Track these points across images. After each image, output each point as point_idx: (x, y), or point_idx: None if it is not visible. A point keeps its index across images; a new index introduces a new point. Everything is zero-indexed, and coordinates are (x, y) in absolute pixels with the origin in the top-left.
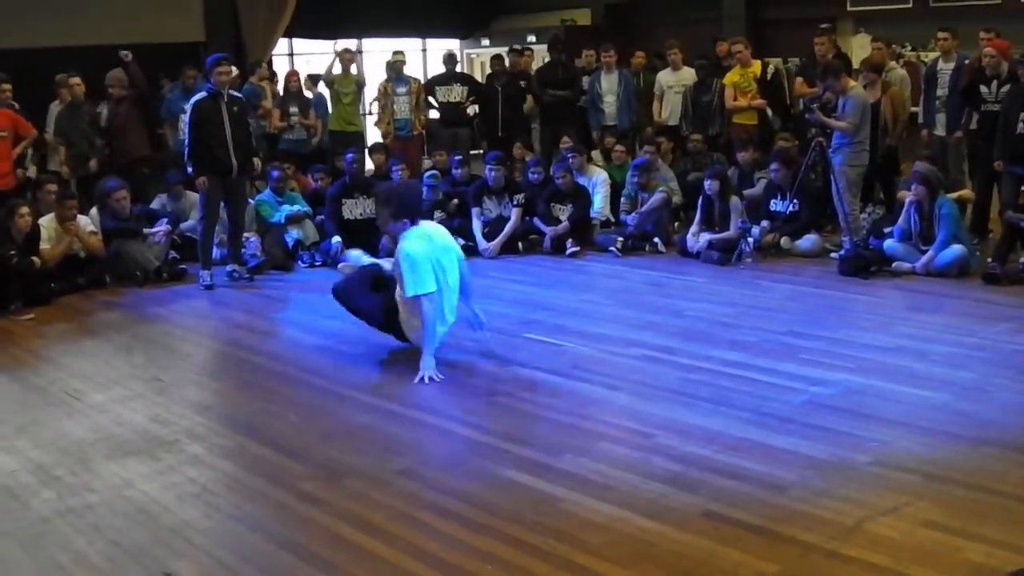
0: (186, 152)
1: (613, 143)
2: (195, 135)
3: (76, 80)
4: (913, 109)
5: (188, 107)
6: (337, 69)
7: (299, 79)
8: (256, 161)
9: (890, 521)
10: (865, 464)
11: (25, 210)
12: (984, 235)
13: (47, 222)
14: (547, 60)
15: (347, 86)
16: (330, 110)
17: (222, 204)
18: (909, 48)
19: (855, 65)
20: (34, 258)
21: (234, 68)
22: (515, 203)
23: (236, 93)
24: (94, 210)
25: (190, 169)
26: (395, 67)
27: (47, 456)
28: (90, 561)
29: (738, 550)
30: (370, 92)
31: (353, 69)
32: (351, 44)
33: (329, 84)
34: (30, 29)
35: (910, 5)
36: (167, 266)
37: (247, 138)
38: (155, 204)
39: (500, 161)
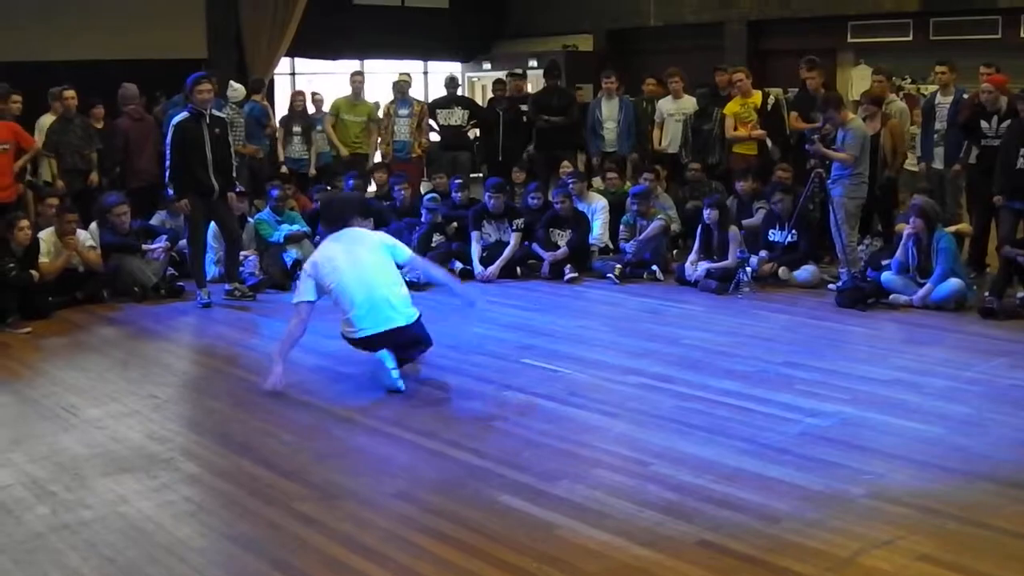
0: (167, 174)
1: (612, 169)
2: (176, 156)
3: (70, 93)
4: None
5: (170, 128)
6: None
7: (304, 99)
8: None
9: (884, 554)
10: (860, 496)
11: (25, 223)
12: (981, 269)
13: (46, 236)
14: (544, 86)
15: (353, 112)
16: (334, 134)
17: (211, 224)
18: (909, 81)
19: (853, 96)
20: (33, 271)
21: (242, 87)
22: (514, 228)
23: (219, 114)
24: (94, 225)
25: (170, 191)
26: (400, 88)
27: (42, 471)
28: None
29: None
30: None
31: (364, 94)
32: (356, 65)
33: (334, 114)
34: (33, 43)
35: (910, 38)
36: (165, 283)
37: (228, 159)
38: (154, 220)
39: (500, 188)
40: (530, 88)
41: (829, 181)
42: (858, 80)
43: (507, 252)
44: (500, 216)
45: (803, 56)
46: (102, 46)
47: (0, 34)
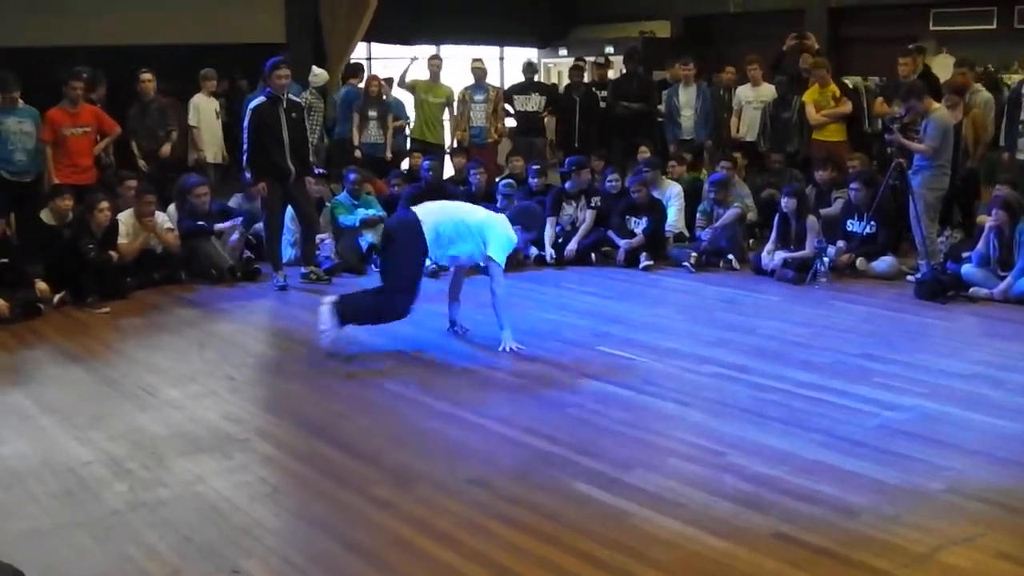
0: (244, 157)
1: (690, 158)
2: (253, 140)
3: (147, 76)
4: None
5: (247, 111)
6: (415, 75)
7: (380, 84)
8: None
9: (963, 551)
10: (938, 492)
11: (105, 205)
12: None
13: (125, 217)
14: (623, 72)
15: (432, 93)
16: (412, 116)
17: (288, 207)
18: (991, 70)
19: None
20: (111, 252)
21: (324, 72)
22: (591, 205)
23: (295, 98)
24: (172, 207)
25: (247, 175)
26: (477, 74)
27: (120, 449)
28: (160, 555)
29: (808, 573)
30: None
31: (441, 77)
32: (433, 50)
33: (411, 89)
34: (110, 27)
35: (994, 26)
36: (241, 265)
37: (304, 143)
38: (232, 203)
39: (582, 164)
40: (611, 75)
41: (910, 171)
42: (940, 69)
43: (583, 229)
44: (578, 195)
45: (882, 43)
46: (180, 30)
47: (77, 18)
